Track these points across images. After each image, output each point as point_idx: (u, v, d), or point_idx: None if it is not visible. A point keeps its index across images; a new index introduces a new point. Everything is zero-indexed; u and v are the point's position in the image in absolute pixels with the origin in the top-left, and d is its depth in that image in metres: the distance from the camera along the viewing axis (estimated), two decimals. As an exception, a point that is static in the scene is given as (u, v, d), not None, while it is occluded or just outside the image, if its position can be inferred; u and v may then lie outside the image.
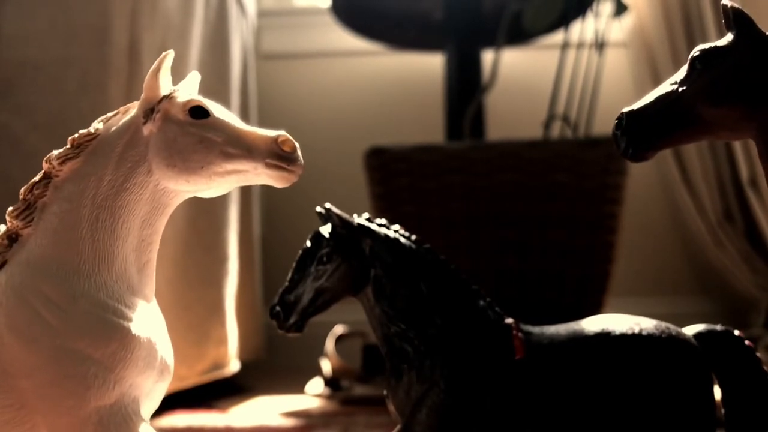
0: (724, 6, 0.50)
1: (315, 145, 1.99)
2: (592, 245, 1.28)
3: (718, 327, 0.57)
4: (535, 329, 0.58)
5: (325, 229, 0.61)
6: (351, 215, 0.62)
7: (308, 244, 0.61)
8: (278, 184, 0.49)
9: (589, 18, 1.51)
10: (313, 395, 1.41)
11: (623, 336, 0.55)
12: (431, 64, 1.90)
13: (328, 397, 1.38)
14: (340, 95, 2.09)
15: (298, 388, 1.46)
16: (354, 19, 1.73)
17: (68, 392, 0.44)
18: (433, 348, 0.57)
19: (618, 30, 1.89)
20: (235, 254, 1.51)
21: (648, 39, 1.92)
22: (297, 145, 0.49)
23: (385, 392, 0.60)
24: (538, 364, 0.55)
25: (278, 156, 0.48)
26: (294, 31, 2.13)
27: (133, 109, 0.52)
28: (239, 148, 0.48)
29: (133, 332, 0.47)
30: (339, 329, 1.54)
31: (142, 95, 0.51)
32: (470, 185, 1.29)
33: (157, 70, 0.51)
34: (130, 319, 0.47)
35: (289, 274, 0.61)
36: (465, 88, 1.58)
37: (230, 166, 0.48)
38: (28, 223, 0.49)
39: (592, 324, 0.56)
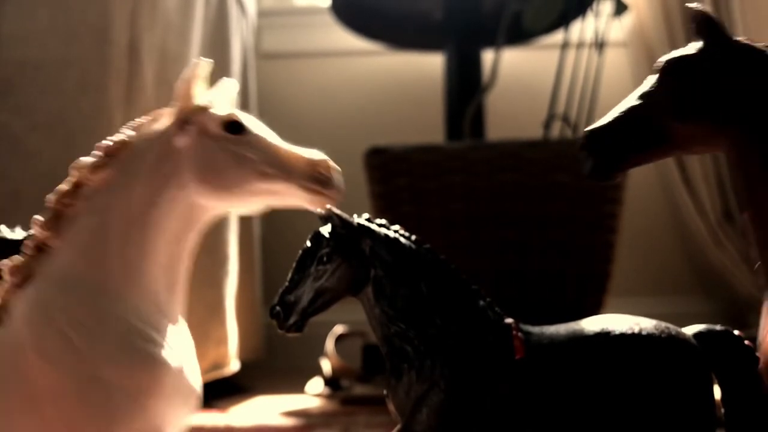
0: (692, 10, 0.47)
1: (315, 145, 1.98)
2: (592, 245, 1.28)
3: (718, 327, 0.57)
4: (535, 329, 0.58)
5: (325, 230, 0.61)
6: (351, 215, 0.62)
7: (308, 244, 0.61)
8: (313, 207, 0.48)
9: (589, 18, 1.51)
10: (313, 395, 1.41)
11: (623, 336, 0.55)
12: (431, 64, 1.89)
13: (328, 397, 1.38)
14: (340, 95, 2.09)
15: (298, 387, 1.46)
16: (354, 18, 1.73)
17: (92, 419, 0.43)
18: (433, 348, 0.57)
19: (618, 30, 1.89)
20: (235, 254, 1.51)
21: (648, 39, 1.91)
22: (337, 168, 0.47)
23: (385, 392, 0.60)
24: (538, 364, 0.55)
25: (315, 179, 0.47)
26: (294, 31, 2.13)
27: (164, 116, 0.50)
28: (276, 168, 0.47)
29: (161, 359, 0.45)
30: (339, 329, 1.54)
31: (176, 104, 0.49)
32: (470, 185, 1.29)
33: (192, 77, 0.49)
34: (157, 344, 0.46)
35: (289, 275, 0.60)
36: (465, 88, 1.58)
37: (265, 186, 0.47)
38: (56, 234, 0.47)
39: (591, 324, 0.56)
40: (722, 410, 0.54)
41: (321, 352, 1.50)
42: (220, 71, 1.48)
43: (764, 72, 0.46)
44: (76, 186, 0.48)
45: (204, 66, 0.50)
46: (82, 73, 1.11)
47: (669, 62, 0.47)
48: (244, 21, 1.76)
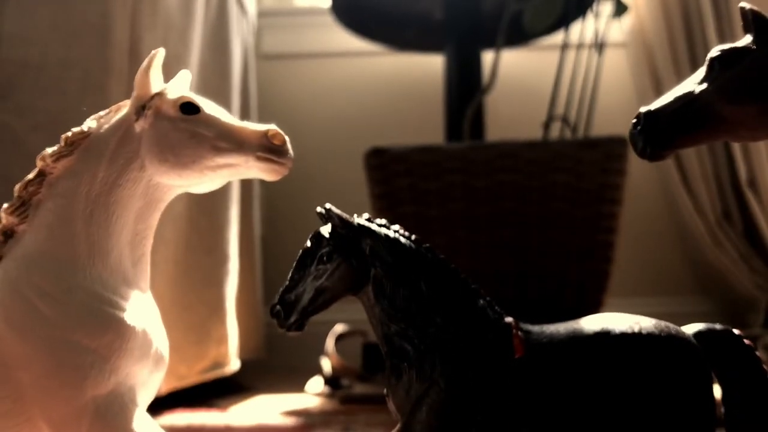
0: (743, 9, 0.50)
1: (315, 146, 1.99)
2: (591, 245, 1.28)
3: (718, 326, 0.57)
4: (535, 328, 0.58)
5: (326, 229, 0.61)
6: (351, 215, 0.62)
7: (308, 243, 0.61)
8: (269, 177, 0.50)
9: (589, 18, 1.51)
10: (313, 394, 1.41)
11: (623, 335, 0.55)
12: (431, 64, 1.90)
13: (328, 396, 1.38)
14: (340, 95, 2.10)
15: (298, 386, 1.46)
16: (354, 19, 1.73)
17: (65, 382, 0.45)
18: (432, 347, 0.57)
19: (618, 30, 1.89)
20: (235, 254, 1.51)
21: (648, 39, 1.92)
22: (287, 138, 0.50)
23: (385, 391, 0.60)
24: (538, 363, 0.55)
25: (268, 149, 0.49)
26: (294, 32, 2.13)
27: (125, 107, 0.53)
28: (230, 142, 0.49)
29: (128, 322, 0.47)
30: (339, 328, 1.54)
31: (134, 93, 0.51)
32: (470, 185, 1.29)
33: (148, 67, 0.51)
34: (125, 310, 0.48)
35: (290, 274, 0.61)
36: (465, 89, 1.58)
37: (221, 160, 0.49)
38: (23, 220, 0.50)
39: (591, 323, 0.57)
40: (722, 409, 0.55)
41: (321, 351, 1.50)
42: (220, 72, 1.50)
43: None
44: (41, 174, 0.51)
45: (160, 56, 0.51)
46: (83, 73, 1.11)
47: (721, 52, 0.50)
48: (244, 22, 1.76)
